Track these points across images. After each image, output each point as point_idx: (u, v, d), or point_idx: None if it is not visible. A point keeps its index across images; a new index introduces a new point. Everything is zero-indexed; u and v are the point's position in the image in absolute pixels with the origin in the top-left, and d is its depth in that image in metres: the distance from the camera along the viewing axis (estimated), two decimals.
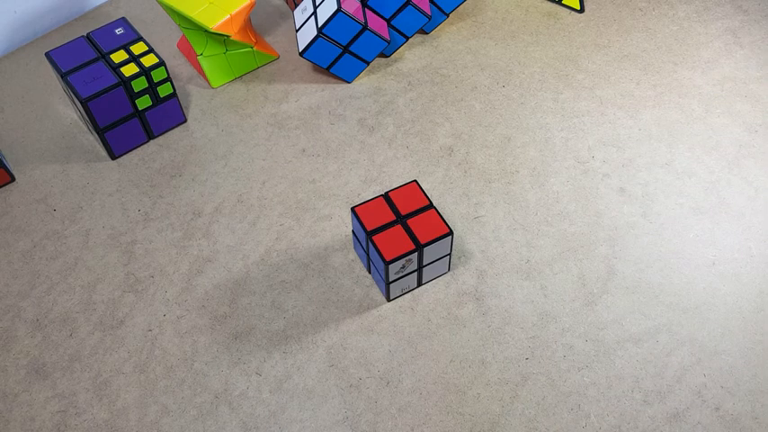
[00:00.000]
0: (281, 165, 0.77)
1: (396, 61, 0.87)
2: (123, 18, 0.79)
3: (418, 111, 0.81)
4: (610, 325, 0.64)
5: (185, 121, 0.82)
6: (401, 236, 0.62)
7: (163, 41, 0.91)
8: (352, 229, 0.69)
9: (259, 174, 0.77)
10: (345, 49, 0.81)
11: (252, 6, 0.81)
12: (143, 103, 0.76)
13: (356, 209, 0.64)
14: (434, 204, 0.65)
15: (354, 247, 0.69)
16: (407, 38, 0.86)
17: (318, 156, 0.78)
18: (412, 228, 0.63)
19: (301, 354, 0.63)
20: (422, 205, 0.65)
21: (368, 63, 0.84)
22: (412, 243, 0.62)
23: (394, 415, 0.59)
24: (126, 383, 0.62)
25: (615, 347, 0.62)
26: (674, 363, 0.61)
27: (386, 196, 0.65)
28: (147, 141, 0.80)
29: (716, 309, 0.64)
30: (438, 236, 0.62)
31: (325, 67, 0.83)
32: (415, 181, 0.67)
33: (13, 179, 0.78)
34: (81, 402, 0.61)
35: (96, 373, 0.63)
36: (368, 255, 0.66)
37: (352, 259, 0.69)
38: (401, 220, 0.64)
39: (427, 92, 0.83)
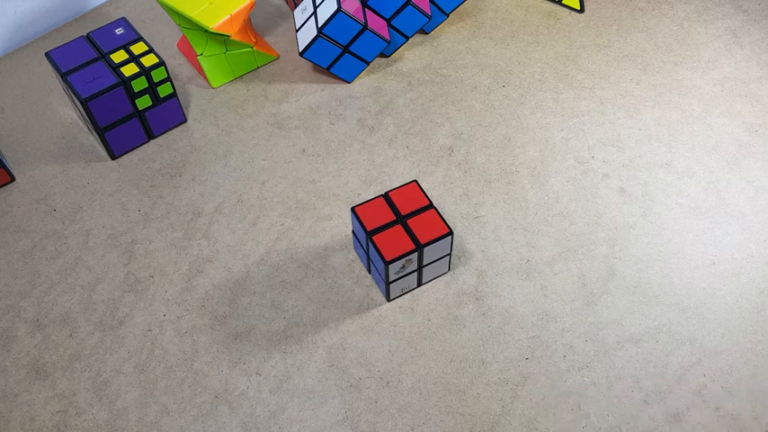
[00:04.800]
0: (281, 165, 0.77)
1: (396, 61, 0.87)
2: (123, 18, 0.79)
3: (418, 111, 0.81)
4: (610, 325, 0.64)
5: (185, 121, 0.82)
6: (401, 236, 0.62)
7: (163, 41, 0.91)
8: (352, 229, 0.69)
9: (259, 174, 0.77)
10: (345, 49, 0.81)
11: (252, 6, 0.81)
12: (143, 103, 0.76)
13: (356, 209, 0.64)
14: (434, 204, 0.65)
15: (354, 248, 0.69)
16: (407, 38, 0.86)
17: (318, 156, 0.78)
18: (412, 228, 0.63)
19: (301, 354, 0.63)
20: (422, 205, 0.65)
21: (368, 63, 0.84)
22: (412, 243, 0.62)
23: (394, 415, 0.59)
24: (126, 383, 0.62)
25: (615, 347, 0.62)
26: (674, 363, 0.61)
27: (386, 196, 0.65)
28: (147, 141, 0.80)
29: (716, 309, 0.64)
30: (438, 236, 0.62)
31: (326, 67, 0.83)
32: (415, 181, 0.67)
33: (13, 179, 0.78)
34: (81, 402, 0.61)
35: (96, 373, 0.63)
36: (368, 255, 0.66)
37: (352, 259, 0.69)
38: (401, 220, 0.64)
39: (427, 92, 0.83)
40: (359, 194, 0.74)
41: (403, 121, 0.80)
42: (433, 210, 0.64)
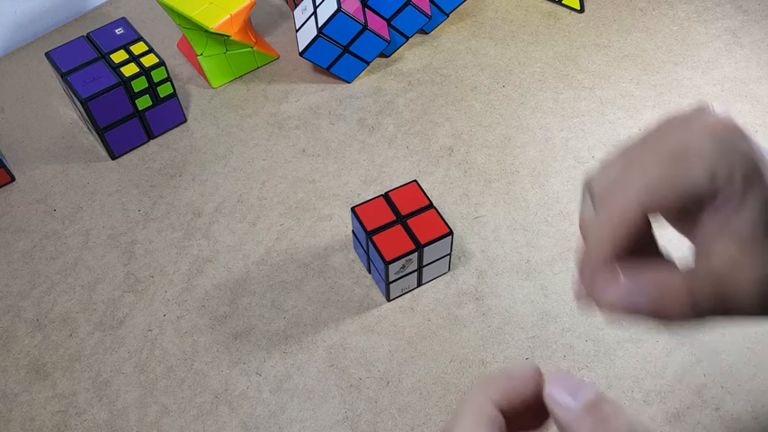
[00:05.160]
0: (281, 165, 0.77)
1: (396, 61, 0.87)
2: (123, 18, 0.79)
3: (418, 111, 0.81)
4: (610, 325, 0.64)
5: (185, 121, 0.82)
6: (401, 236, 0.62)
7: (163, 41, 0.91)
8: (352, 229, 0.69)
9: (259, 174, 0.77)
10: (345, 49, 0.81)
11: (252, 6, 0.81)
12: (143, 103, 0.76)
13: (356, 209, 0.64)
14: (434, 204, 0.65)
15: (354, 248, 0.69)
16: (407, 38, 0.86)
17: (318, 156, 0.78)
18: (412, 228, 0.63)
19: (301, 354, 0.63)
20: (422, 205, 0.65)
21: (368, 63, 0.84)
22: (412, 243, 0.62)
23: (394, 415, 0.59)
24: (126, 383, 0.62)
25: (615, 347, 0.62)
26: (674, 363, 0.61)
27: (386, 196, 0.65)
28: (147, 141, 0.80)
29: None
30: (438, 236, 0.62)
31: (326, 67, 0.83)
32: (415, 181, 0.67)
33: (13, 179, 0.78)
34: (81, 402, 0.61)
35: (96, 373, 0.63)
36: (368, 255, 0.66)
37: (352, 259, 0.69)
38: (401, 220, 0.64)
39: (427, 92, 0.83)
40: (359, 194, 0.74)
41: (403, 121, 0.80)
42: (432, 210, 0.64)
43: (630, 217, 0.32)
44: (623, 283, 0.33)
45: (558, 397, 0.33)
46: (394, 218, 0.64)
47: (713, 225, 0.31)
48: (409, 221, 0.63)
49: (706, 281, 0.31)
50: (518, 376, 0.35)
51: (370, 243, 0.63)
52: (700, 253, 0.32)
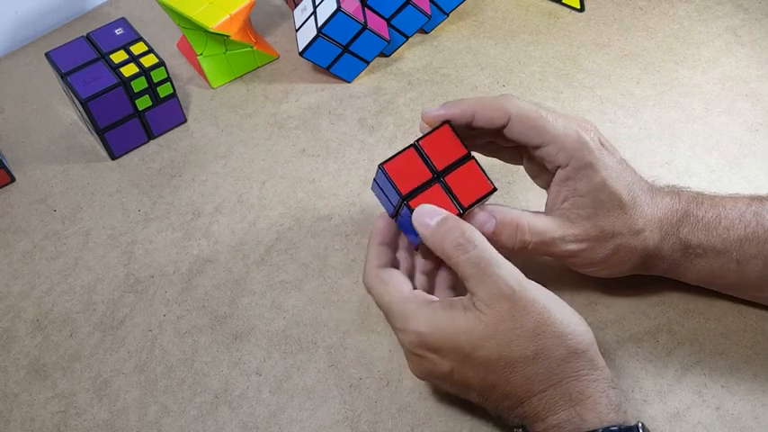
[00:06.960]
0: (281, 165, 0.77)
1: (396, 61, 0.87)
2: (123, 18, 0.79)
3: (418, 110, 0.81)
4: (610, 325, 0.64)
5: (185, 121, 0.82)
6: (441, 198, 0.55)
7: (163, 41, 0.91)
8: (374, 177, 0.59)
9: (259, 174, 0.77)
10: (345, 49, 0.81)
11: (252, 6, 0.81)
12: (143, 103, 0.76)
13: (385, 165, 0.56)
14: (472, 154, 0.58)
15: (376, 195, 0.61)
16: (407, 37, 0.86)
17: (318, 156, 0.78)
18: (451, 186, 0.55)
19: (301, 354, 0.63)
20: (459, 156, 0.56)
21: (368, 63, 0.84)
22: (454, 207, 0.55)
23: (394, 415, 0.59)
24: (126, 383, 0.62)
25: (615, 347, 0.62)
26: (674, 363, 0.61)
27: (416, 147, 0.56)
28: (147, 141, 0.80)
29: (716, 308, 0.64)
30: (481, 195, 0.56)
31: (325, 66, 0.83)
32: (448, 122, 0.57)
33: (13, 179, 0.78)
34: (81, 402, 0.61)
35: (96, 373, 0.63)
36: (396, 220, 0.59)
37: (352, 259, 0.69)
38: (438, 177, 0.56)
39: (427, 91, 0.83)
40: (358, 194, 0.74)
41: (403, 120, 0.80)
42: (472, 161, 0.56)
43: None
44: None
45: (419, 220, 0.53)
46: (430, 175, 0.55)
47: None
48: (447, 178, 0.56)
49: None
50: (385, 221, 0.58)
51: (405, 208, 0.55)
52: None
